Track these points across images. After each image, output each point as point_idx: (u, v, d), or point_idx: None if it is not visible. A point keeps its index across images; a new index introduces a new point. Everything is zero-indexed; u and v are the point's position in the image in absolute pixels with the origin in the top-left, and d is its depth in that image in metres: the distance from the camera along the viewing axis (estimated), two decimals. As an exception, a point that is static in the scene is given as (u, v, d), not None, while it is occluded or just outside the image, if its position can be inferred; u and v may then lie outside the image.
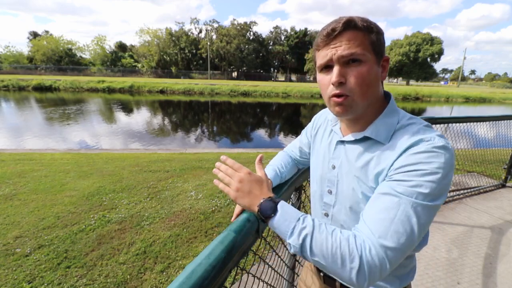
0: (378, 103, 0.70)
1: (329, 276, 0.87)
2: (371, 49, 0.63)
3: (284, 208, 0.63)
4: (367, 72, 0.63)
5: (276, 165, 0.95)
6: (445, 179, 0.56)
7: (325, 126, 0.88)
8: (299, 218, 0.60)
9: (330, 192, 0.79)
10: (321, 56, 0.66)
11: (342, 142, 0.76)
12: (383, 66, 0.68)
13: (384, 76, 0.69)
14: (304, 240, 0.57)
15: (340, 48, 0.62)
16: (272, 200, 0.64)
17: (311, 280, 0.99)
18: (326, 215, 0.82)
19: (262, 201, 0.65)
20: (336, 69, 0.63)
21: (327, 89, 0.67)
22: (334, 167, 0.77)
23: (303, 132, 1.00)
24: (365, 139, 0.70)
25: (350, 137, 0.73)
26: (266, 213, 0.63)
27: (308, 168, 0.96)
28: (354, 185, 0.70)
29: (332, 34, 0.63)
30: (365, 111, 0.69)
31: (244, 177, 0.68)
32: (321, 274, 0.90)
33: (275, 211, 0.62)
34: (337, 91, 0.64)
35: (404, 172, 0.57)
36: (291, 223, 0.60)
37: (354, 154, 0.71)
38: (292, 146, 1.04)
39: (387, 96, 0.72)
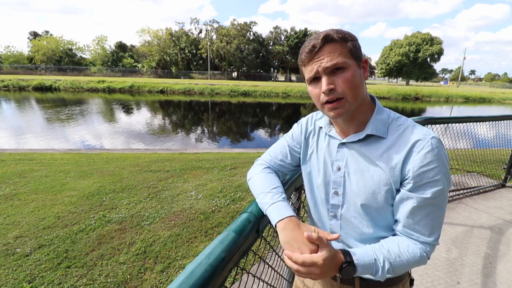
0: (366, 103, 0.78)
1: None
2: (350, 56, 0.71)
3: (360, 261, 0.68)
4: (352, 76, 0.70)
5: (277, 189, 0.84)
6: (448, 164, 0.71)
7: (316, 132, 0.90)
8: (374, 260, 0.69)
9: (336, 193, 0.82)
10: (308, 70, 0.74)
11: (344, 144, 0.80)
12: (364, 67, 0.76)
13: (366, 76, 0.77)
14: (388, 273, 0.70)
15: (324, 61, 0.70)
16: (347, 262, 0.67)
17: (319, 285, 0.97)
18: (335, 216, 0.84)
19: (341, 268, 0.67)
20: (324, 79, 0.71)
21: (319, 98, 0.74)
22: (339, 169, 0.80)
23: (289, 135, 0.96)
24: (367, 136, 0.76)
25: (352, 137, 0.78)
26: (350, 276, 0.68)
27: None
28: (366, 182, 0.75)
29: (313, 50, 0.70)
30: (357, 111, 0.76)
31: (319, 263, 0.64)
32: (338, 275, 0.88)
33: (355, 268, 0.67)
34: (329, 97, 0.71)
35: (424, 172, 0.69)
36: (371, 268, 0.69)
37: (361, 152, 0.77)
38: (277, 154, 0.95)
39: (371, 98, 0.82)
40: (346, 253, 0.68)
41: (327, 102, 0.72)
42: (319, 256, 0.64)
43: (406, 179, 0.71)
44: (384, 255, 0.70)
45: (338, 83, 0.70)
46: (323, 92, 0.71)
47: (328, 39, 0.70)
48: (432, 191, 0.68)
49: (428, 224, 0.71)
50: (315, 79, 0.74)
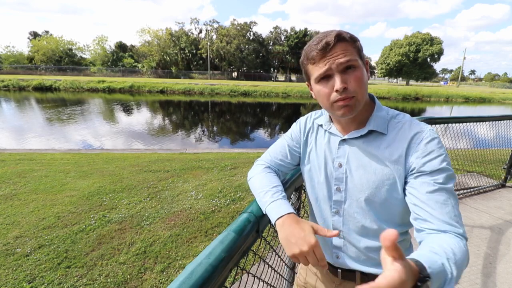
0: (367, 102, 0.80)
1: (348, 270, 0.88)
2: (358, 56, 0.73)
3: (433, 269, 0.49)
4: (361, 75, 0.72)
5: (277, 187, 0.84)
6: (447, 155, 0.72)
7: (314, 130, 0.91)
8: (442, 264, 0.52)
9: (339, 189, 0.82)
10: (318, 68, 0.73)
11: (345, 140, 0.81)
12: (366, 68, 0.78)
13: (368, 76, 0.79)
14: (457, 278, 0.54)
15: (338, 57, 0.70)
16: (422, 281, 0.48)
17: (322, 285, 0.97)
18: (337, 212, 0.84)
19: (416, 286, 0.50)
20: (338, 77, 0.70)
21: (329, 96, 0.73)
22: (340, 165, 0.81)
23: (288, 135, 0.96)
24: (369, 133, 0.78)
25: (354, 133, 0.79)
26: None
27: None
28: (369, 177, 0.76)
29: (327, 47, 0.70)
30: (361, 109, 0.77)
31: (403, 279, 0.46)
32: (339, 270, 0.90)
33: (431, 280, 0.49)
34: (343, 96, 0.71)
35: (429, 161, 0.69)
36: (443, 275, 0.52)
37: (363, 148, 0.78)
38: (277, 154, 0.96)
39: (370, 96, 0.83)
40: (418, 264, 0.50)
41: (340, 100, 0.72)
42: (401, 272, 0.44)
43: (412, 172, 0.70)
44: (447, 254, 0.55)
45: (350, 81, 0.71)
46: (337, 90, 0.71)
47: (341, 37, 0.71)
48: (442, 176, 0.67)
49: (451, 212, 0.65)
50: (325, 77, 0.73)
